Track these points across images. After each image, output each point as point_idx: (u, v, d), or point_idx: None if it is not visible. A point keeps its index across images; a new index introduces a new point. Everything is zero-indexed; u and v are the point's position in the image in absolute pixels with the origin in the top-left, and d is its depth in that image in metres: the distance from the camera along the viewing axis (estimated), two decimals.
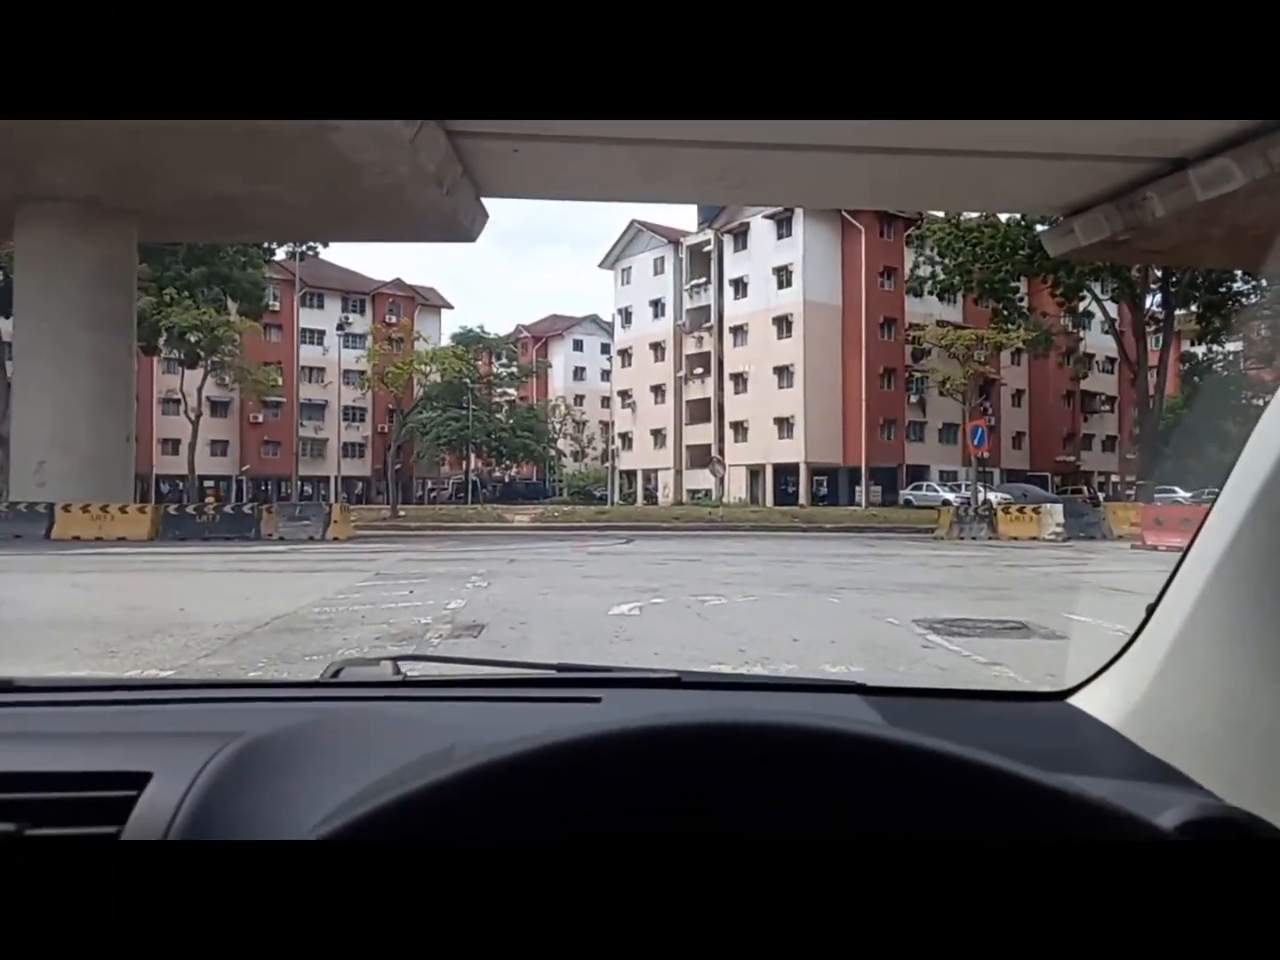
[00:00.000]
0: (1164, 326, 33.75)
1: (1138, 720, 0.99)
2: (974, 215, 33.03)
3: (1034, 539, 17.72)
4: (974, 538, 18.60)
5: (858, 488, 41.73)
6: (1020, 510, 19.17)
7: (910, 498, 38.99)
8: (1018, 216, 32.47)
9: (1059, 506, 19.52)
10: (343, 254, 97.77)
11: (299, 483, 57.27)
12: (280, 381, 56.56)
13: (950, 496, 37.78)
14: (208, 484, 57.08)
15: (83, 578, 10.17)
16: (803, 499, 41.01)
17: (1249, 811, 0.63)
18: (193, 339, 29.06)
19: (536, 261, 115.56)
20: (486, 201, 20.51)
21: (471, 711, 1.14)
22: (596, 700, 1.13)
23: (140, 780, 0.77)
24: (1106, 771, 0.88)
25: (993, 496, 33.93)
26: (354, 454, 59.65)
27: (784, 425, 42.77)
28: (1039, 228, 33.36)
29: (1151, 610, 1.00)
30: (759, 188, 21.78)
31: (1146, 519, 15.56)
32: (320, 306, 58.42)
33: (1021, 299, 36.18)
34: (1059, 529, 17.73)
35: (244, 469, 55.64)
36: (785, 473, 43.18)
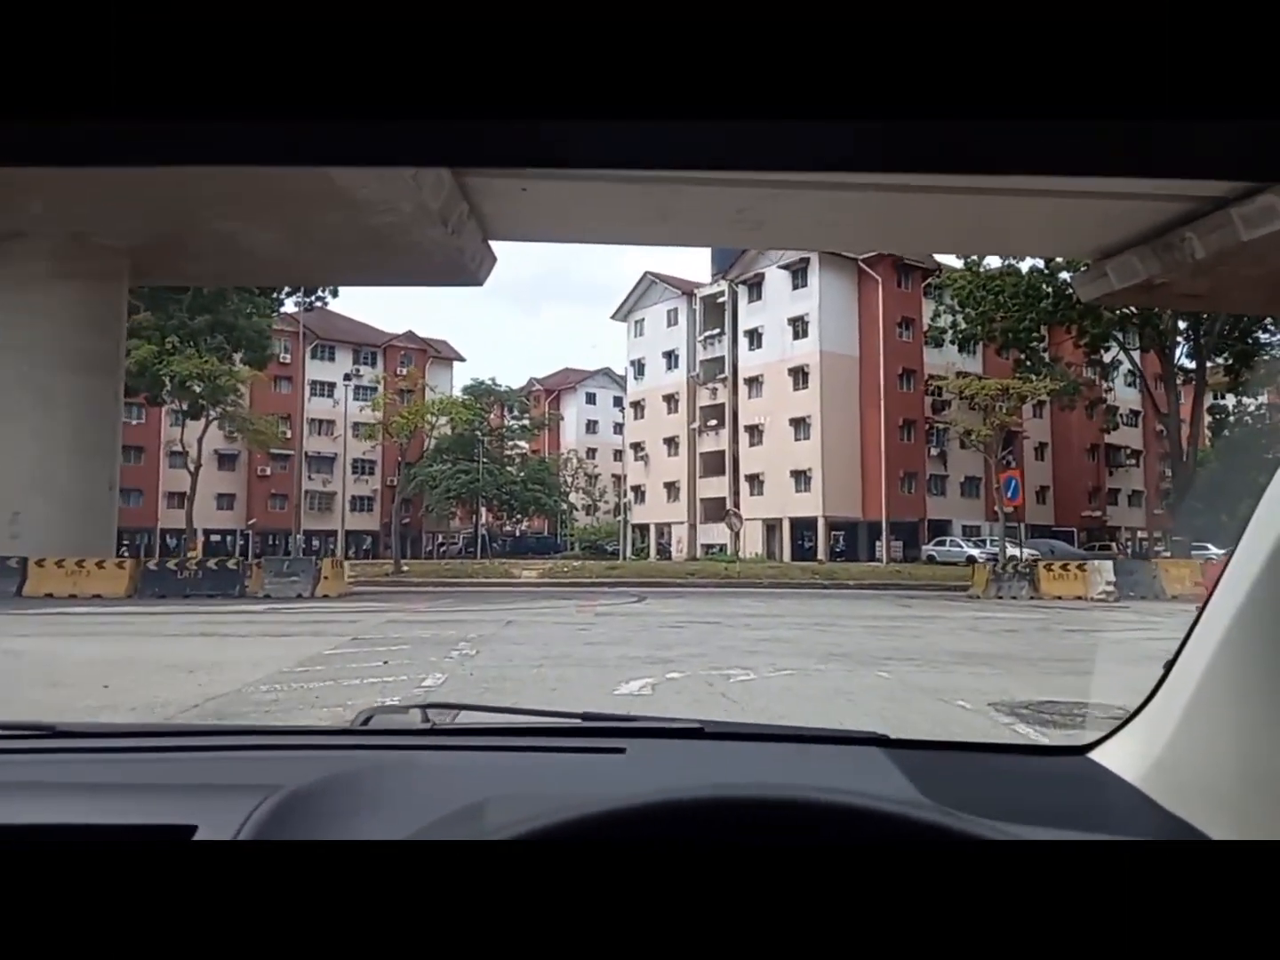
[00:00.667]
0: (1196, 377, 32.57)
1: (1156, 776, 1.00)
2: (995, 263, 32.23)
3: (1080, 599, 16.33)
4: (1014, 597, 17.22)
5: (878, 543, 40.33)
6: (1064, 567, 17.78)
7: (933, 553, 37.56)
8: (1040, 263, 31.63)
9: (1108, 564, 18.13)
10: (354, 307, 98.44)
11: (303, 536, 56.41)
12: (289, 433, 56.18)
13: (975, 552, 36.37)
14: (214, 538, 56.30)
15: (22, 642, 9.00)
16: (821, 554, 39.62)
17: None
18: (196, 388, 28.27)
19: (549, 317, 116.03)
20: (499, 250, 19.75)
21: (497, 761, 1.17)
22: (621, 751, 1.16)
23: (186, 833, 0.82)
24: (1125, 828, 0.90)
25: (1021, 553, 32.57)
26: (363, 508, 58.74)
27: (801, 478, 41.59)
28: (1063, 275, 32.69)
29: (1170, 666, 1.01)
30: (776, 229, 20.90)
31: (1210, 578, 14.17)
32: (331, 359, 58.01)
33: (1045, 349, 35.20)
34: (1110, 588, 16.35)
35: (250, 522, 54.65)
36: (802, 527, 41.87)
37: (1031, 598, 16.96)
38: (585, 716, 1.31)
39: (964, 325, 34.58)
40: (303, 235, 17.26)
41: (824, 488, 40.59)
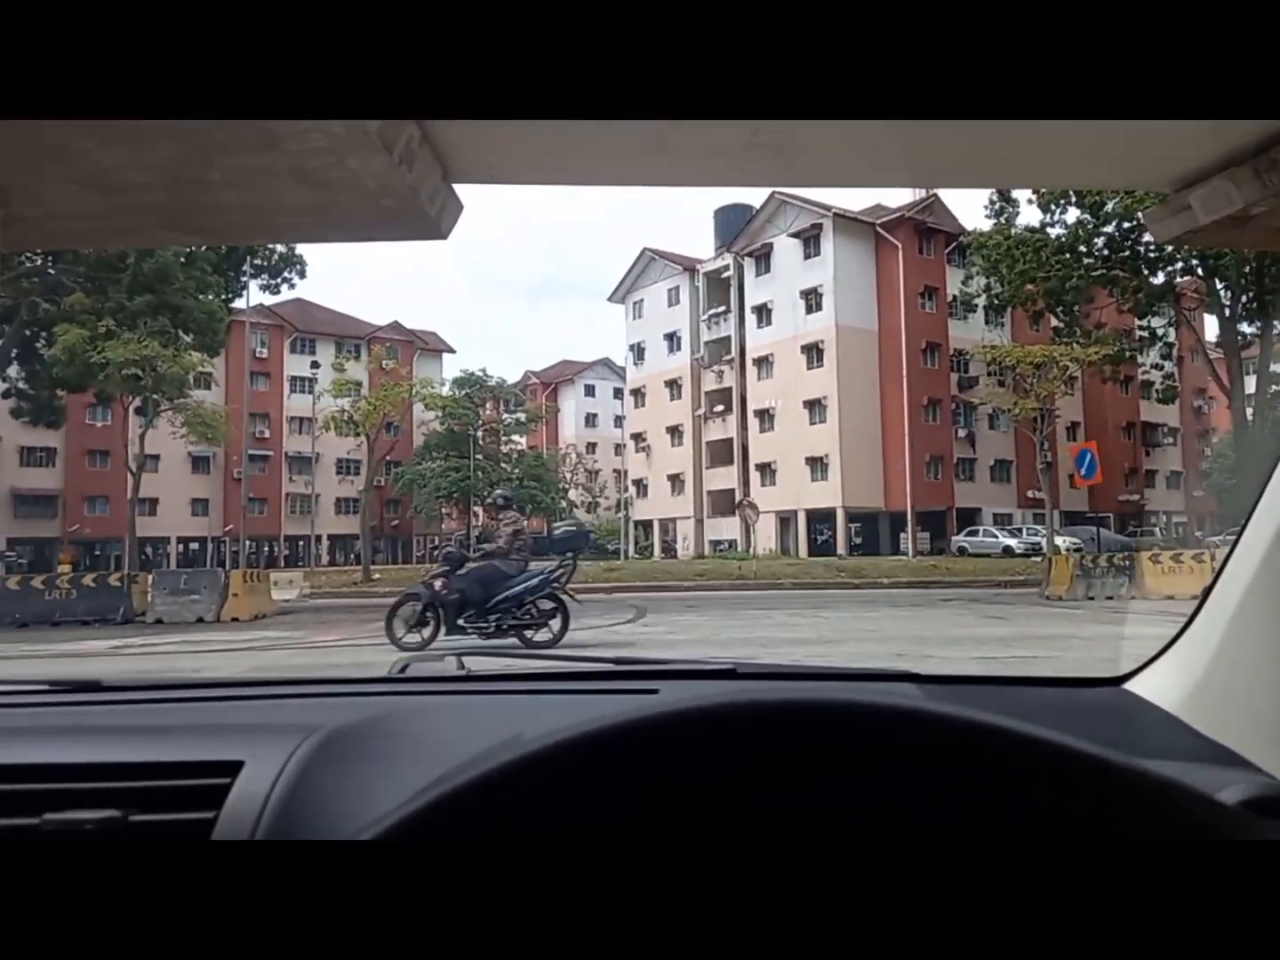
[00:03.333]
0: (1261, 342, 29.02)
1: (1194, 703, 1.01)
2: (1034, 219, 28.76)
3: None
4: (1110, 597, 13.76)
5: (902, 534, 36.85)
6: (1175, 558, 14.20)
7: (964, 544, 34.07)
8: (1088, 214, 28.12)
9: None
10: (337, 298, 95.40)
11: (285, 541, 53.14)
12: (268, 432, 52.86)
13: (1012, 542, 32.95)
14: (192, 546, 53.10)
15: None
16: (841, 548, 36.17)
17: None
18: (135, 375, 24.88)
19: (549, 313, 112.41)
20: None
21: (532, 703, 1.19)
22: (654, 691, 1.17)
23: (233, 768, 0.86)
24: (1164, 754, 0.88)
25: (1060, 542, 29.11)
26: (348, 510, 55.39)
27: (817, 466, 38.12)
28: (1106, 229, 29.20)
29: (1206, 594, 1.01)
30: (797, 159, 17.25)
31: None
32: (312, 352, 54.67)
33: (1085, 316, 31.70)
34: None
35: (227, 529, 51.34)
36: (819, 519, 38.44)
37: (1133, 598, 13.48)
38: (618, 660, 1.35)
39: (999, 288, 31.03)
40: (205, 178, 13.75)
41: (843, 476, 37.12)
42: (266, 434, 53.20)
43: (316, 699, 1.23)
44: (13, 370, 30.48)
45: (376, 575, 26.67)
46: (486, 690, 1.27)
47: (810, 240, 39.44)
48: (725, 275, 43.80)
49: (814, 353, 38.85)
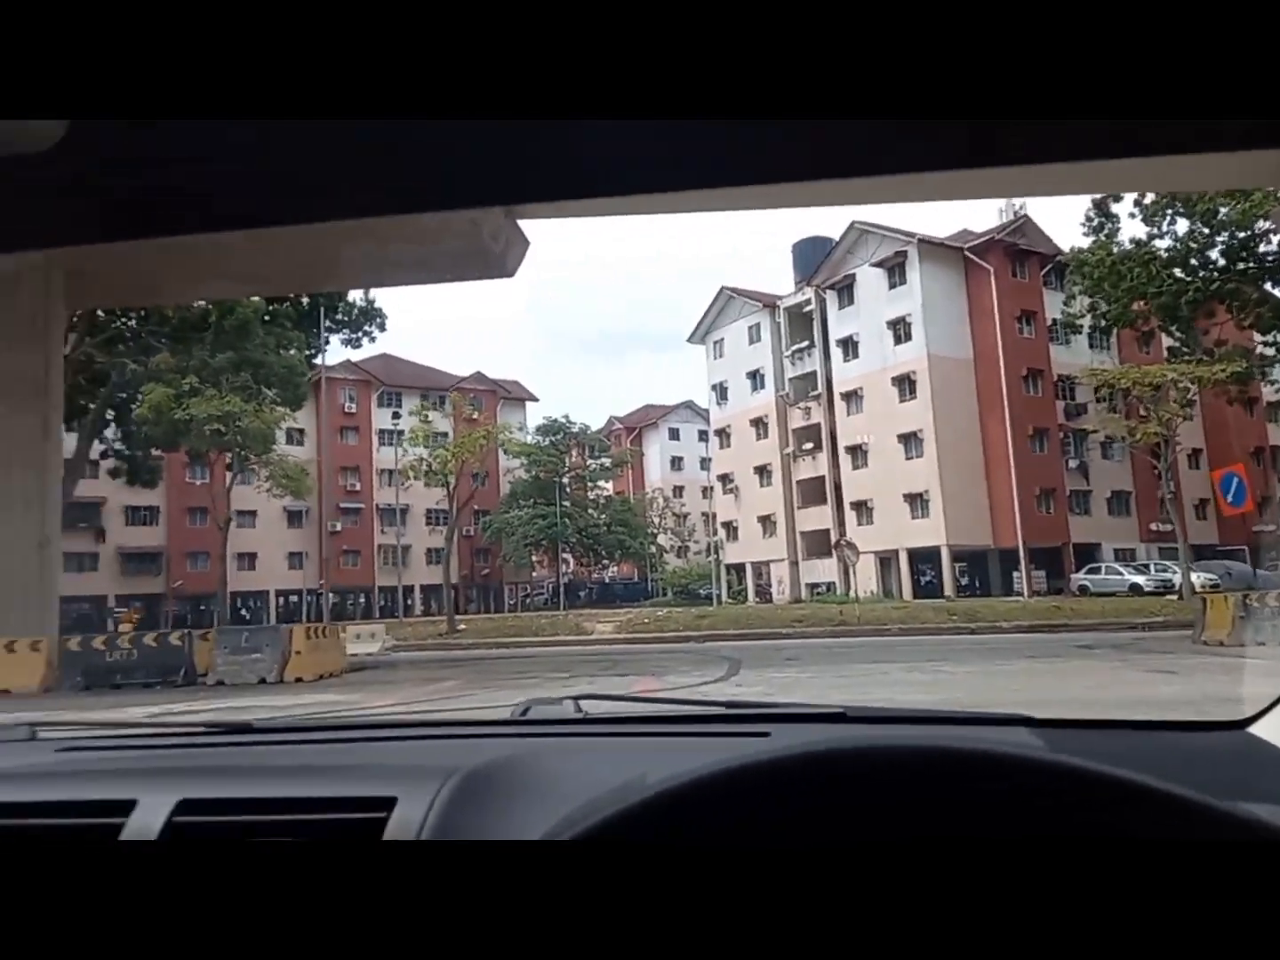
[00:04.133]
0: None
1: None
2: (1139, 232, 26.79)
3: None
4: None
5: (1015, 573, 34.49)
6: None
7: (1086, 583, 31.59)
8: (1200, 225, 26.04)
9: None
10: (421, 352, 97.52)
11: (380, 593, 53.42)
12: (359, 485, 53.54)
13: (1140, 580, 30.39)
14: (292, 599, 53.79)
15: None
16: (948, 589, 34.03)
17: None
18: (219, 431, 25.05)
19: (629, 358, 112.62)
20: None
21: (648, 746, 1.22)
22: (765, 734, 1.19)
23: (388, 804, 0.94)
24: None
25: (1195, 579, 26.55)
26: (438, 560, 55.42)
27: (916, 502, 36.17)
28: (1220, 239, 27.00)
29: None
30: (866, 180, 16.19)
31: None
32: (398, 405, 55.40)
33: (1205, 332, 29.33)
34: None
35: (321, 581, 51.89)
36: (921, 559, 36.39)
37: None
38: (729, 704, 1.37)
39: (1104, 307, 28.98)
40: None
41: (945, 512, 35.06)
42: (358, 487, 53.91)
43: (450, 740, 1.30)
44: (110, 431, 31.26)
45: (462, 626, 25.95)
46: (604, 733, 1.29)
47: (895, 269, 37.96)
48: (807, 309, 42.57)
49: (906, 384, 37.14)
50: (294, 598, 54.28)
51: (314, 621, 36.95)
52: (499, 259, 16.23)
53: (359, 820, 0.93)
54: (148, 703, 10.08)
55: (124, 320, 26.99)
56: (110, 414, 29.77)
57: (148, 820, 0.97)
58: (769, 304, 45.22)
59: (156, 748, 1.37)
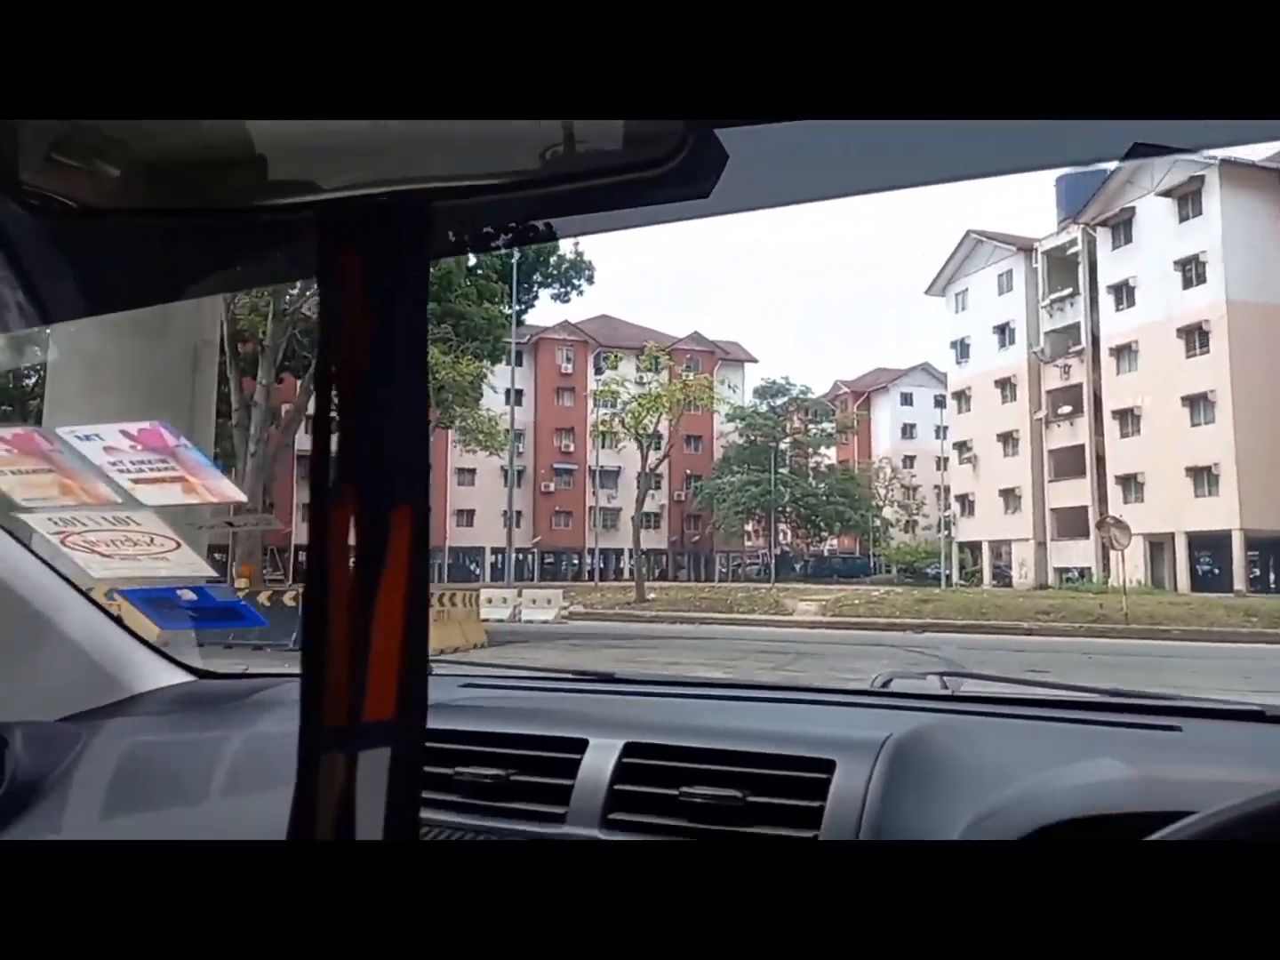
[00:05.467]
0: None
1: None
2: None
3: None
4: None
5: None
6: None
7: None
8: None
9: None
10: (639, 313, 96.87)
11: (591, 555, 53.06)
12: (572, 446, 53.30)
13: None
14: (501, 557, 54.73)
15: None
16: (1238, 582, 28.07)
17: None
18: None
19: (860, 317, 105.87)
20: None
21: (1048, 732, 1.14)
22: (1176, 729, 1.11)
23: (829, 766, 0.99)
24: None
25: None
26: (649, 524, 54.34)
27: (1203, 478, 30.14)
28: None
29: None
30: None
31: None
32: (614, 367, 54.62)
33: None
34: None
35: (535, 540, 52.25)
36: (1202, 544, 30.42)
37: None
38: (1113, 692, 1.28)
39: None
40: None
41: (1240, 490, 28.89)
42: (571, 448, 53.67)
43: (816, 706, 1.31)
44: None
45: (652, 595, 23.94)
46: (974, 711, 1.25)
47: (1187, 198, 31.57)
48: (1072, 251, 36.77)
49: (1195, 337, 30.93)
50: (504, 556, 55.26)
51: (522, 581, 36.60)
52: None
53: (805, 779, 0.97)
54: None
55: None
56: None
57: (600, 760, 1.06)
58: (1024, 248, 39.66)
59: (545, 690, 1.44)
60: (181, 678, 1.65)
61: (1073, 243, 36.51)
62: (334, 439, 0.42)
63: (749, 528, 54.39)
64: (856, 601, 21.73)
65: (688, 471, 53.11)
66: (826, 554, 57.64)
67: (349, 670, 0.42)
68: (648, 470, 28.44)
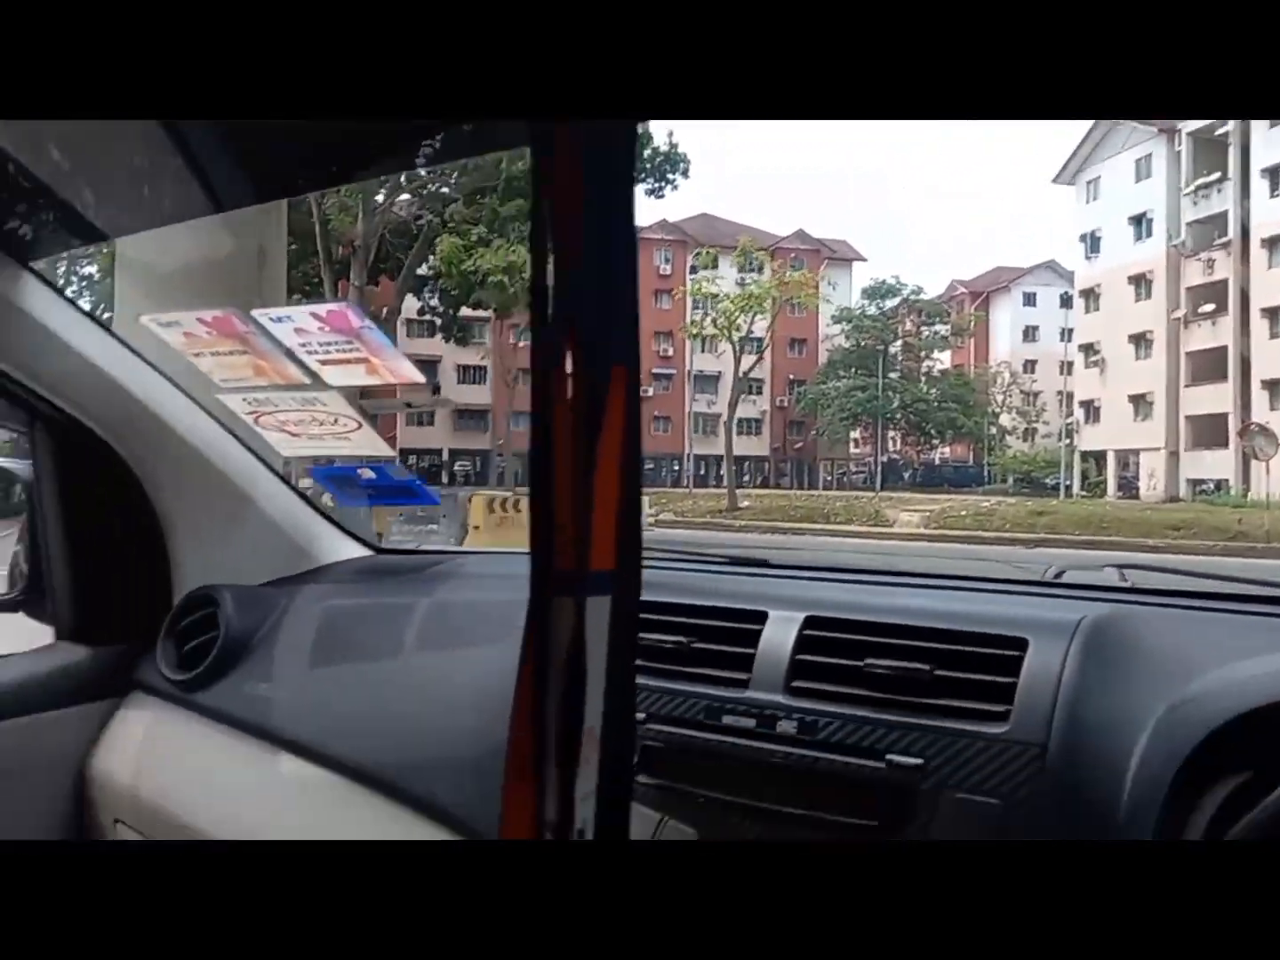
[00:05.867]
0: None
1: None
2: None
3: None
4: None
5: None
6: None
7: None
8: None
9: None
10: (742, 210, 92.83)
11: (692, 462, 52.66)
12: (670, 350, 52.34)
13: None
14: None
15: None
16: None
17: None
18: (501, 284, 24.07)
19: (978, 211, 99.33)
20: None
21: (1215, 622, 1.14)
22: None
23: (1021, 644, 0.98)
24: None
25: None
26: (751, 430, 53.30)
27: None
28: None
29: None
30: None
31: None
32: (714, 266, 52.92)
33: None
34: None
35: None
36: None
37: None
38: None
39: None
40: None
41: None
42: (670, 352, 52.70)
43: (1001, 595, 1.29)
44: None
45: (744, 503, 23.31)
46: (1157, 604, 1.22)
47: None
48: (1221, 132, 33.15)
49: None
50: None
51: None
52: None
53: (997, 656, 0.96)
54: None
55: (428, 174, 26.63)
56: (426, 270, 30.04)
57: (781, 631, 1.07)
58: (1166, 130, 35.98)
59: (718, 572, 1.45)
60: (362, 552, 1.78)
61: (1222, 123, 32.85)
62: (549, 307, 0.43)
63: (855, 435, 52.88)
64: (963, 513, 20.54)
65: (790, 376, 51.61)
66: (937, 462, 55.67)
67: (574, 523, 0.43)
68: (742, 374, 27.45)
